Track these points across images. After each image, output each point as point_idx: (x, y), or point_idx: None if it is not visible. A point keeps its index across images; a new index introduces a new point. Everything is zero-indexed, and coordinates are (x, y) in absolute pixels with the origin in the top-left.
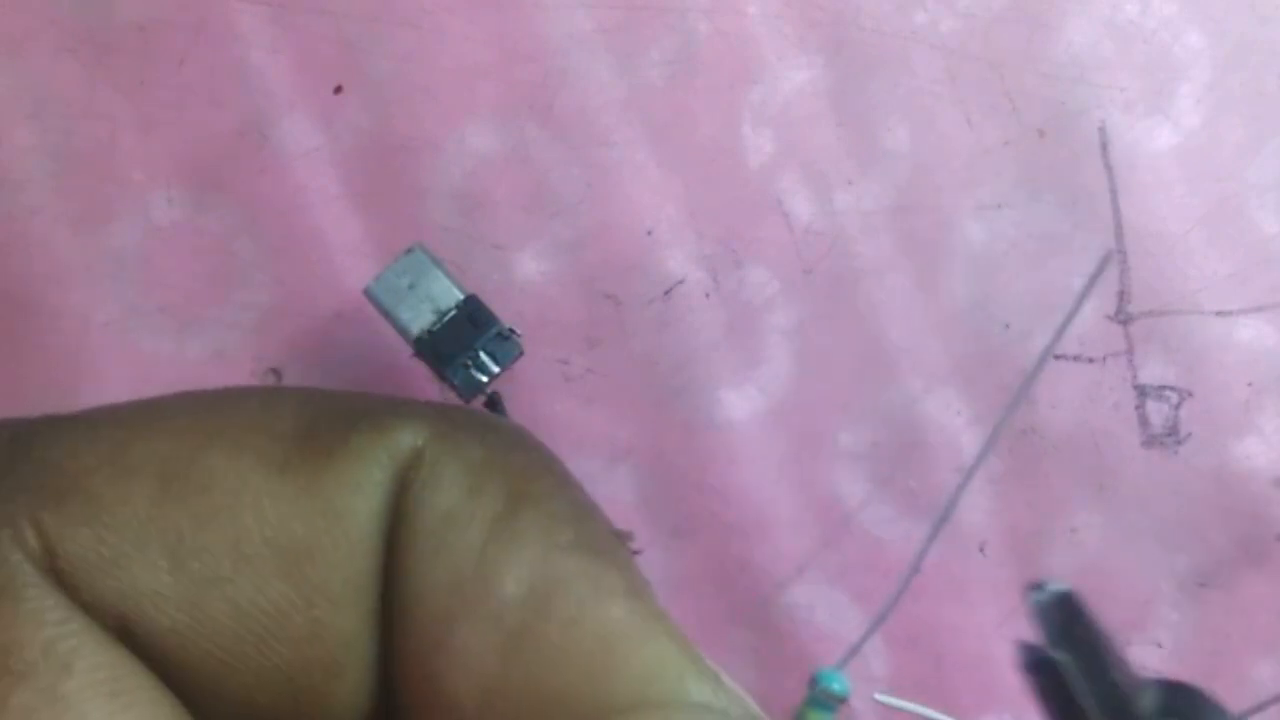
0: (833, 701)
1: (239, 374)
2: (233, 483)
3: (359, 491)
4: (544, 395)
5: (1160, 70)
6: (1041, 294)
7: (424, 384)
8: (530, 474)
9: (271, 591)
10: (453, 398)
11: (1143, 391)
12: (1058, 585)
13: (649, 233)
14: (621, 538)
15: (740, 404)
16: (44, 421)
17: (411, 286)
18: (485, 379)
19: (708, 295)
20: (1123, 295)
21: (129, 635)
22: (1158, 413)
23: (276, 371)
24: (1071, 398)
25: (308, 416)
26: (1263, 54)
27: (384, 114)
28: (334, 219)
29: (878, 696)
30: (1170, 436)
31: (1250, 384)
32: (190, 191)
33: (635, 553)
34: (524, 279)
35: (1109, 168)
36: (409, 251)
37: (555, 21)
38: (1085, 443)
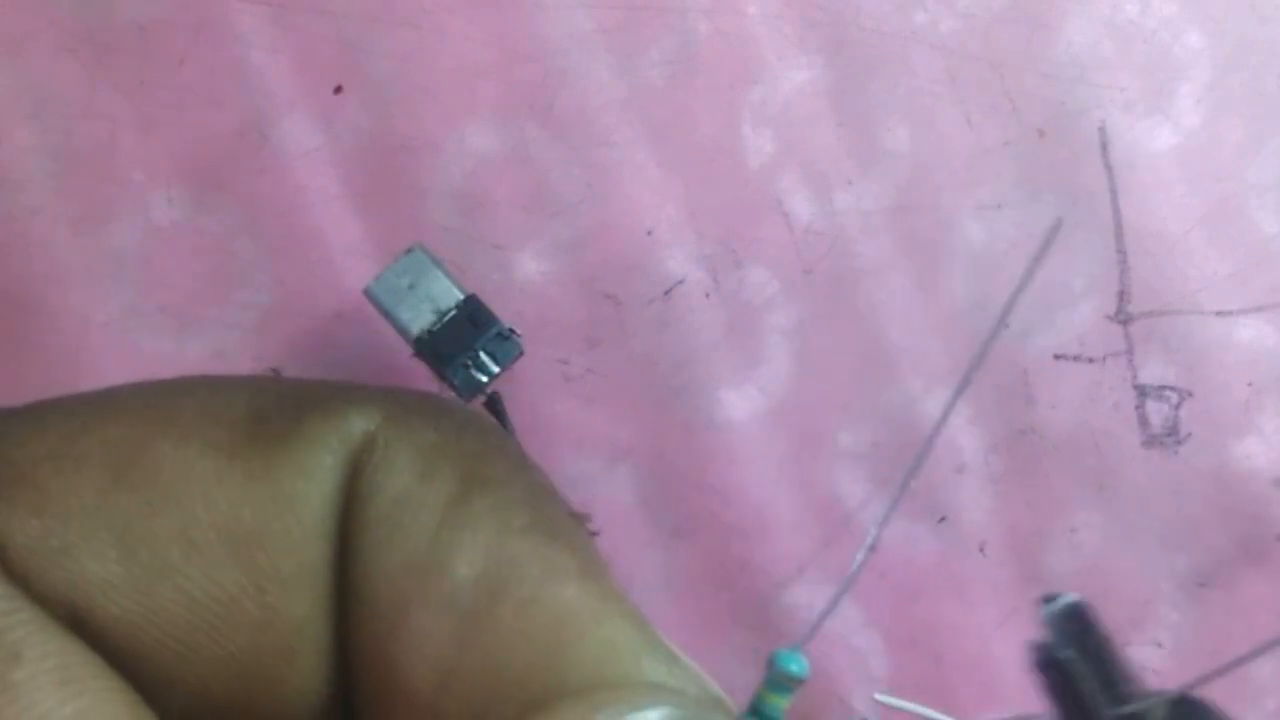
0: (790, 684)
1: (238, 374)
2: (181, 470)
3: (310, 477)
4: (544, 395)
5: (1160, 70)
6: (1041, 294)
7: (424, 384)
8: (484, 457)
9: (222, 578)
10: (453, 398)
11: (1143, 391)
12: (1068, 597)
13: (649, 233)
14: (579, 519)
15: (740, 404)
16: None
17: (411, 286)
18: (485, 379)
19: (708, 295)
20: (1123, 295)
21: (81, 625)
22: (1158, 413)
23: (276, 371)
24: (1071, 398)
25: (259, 404)
26: (1263, 54)
27: (384, 114)
28: (334, 219)
29: (878, 696)
30: (1170, 436)
31: (1250, 384)
32: (190, 191)
33: (593, 534)
34: (524, 279)
35: (1109, 168)
36: (409, 251)
37: (555, 21)
38: (1085, 443)
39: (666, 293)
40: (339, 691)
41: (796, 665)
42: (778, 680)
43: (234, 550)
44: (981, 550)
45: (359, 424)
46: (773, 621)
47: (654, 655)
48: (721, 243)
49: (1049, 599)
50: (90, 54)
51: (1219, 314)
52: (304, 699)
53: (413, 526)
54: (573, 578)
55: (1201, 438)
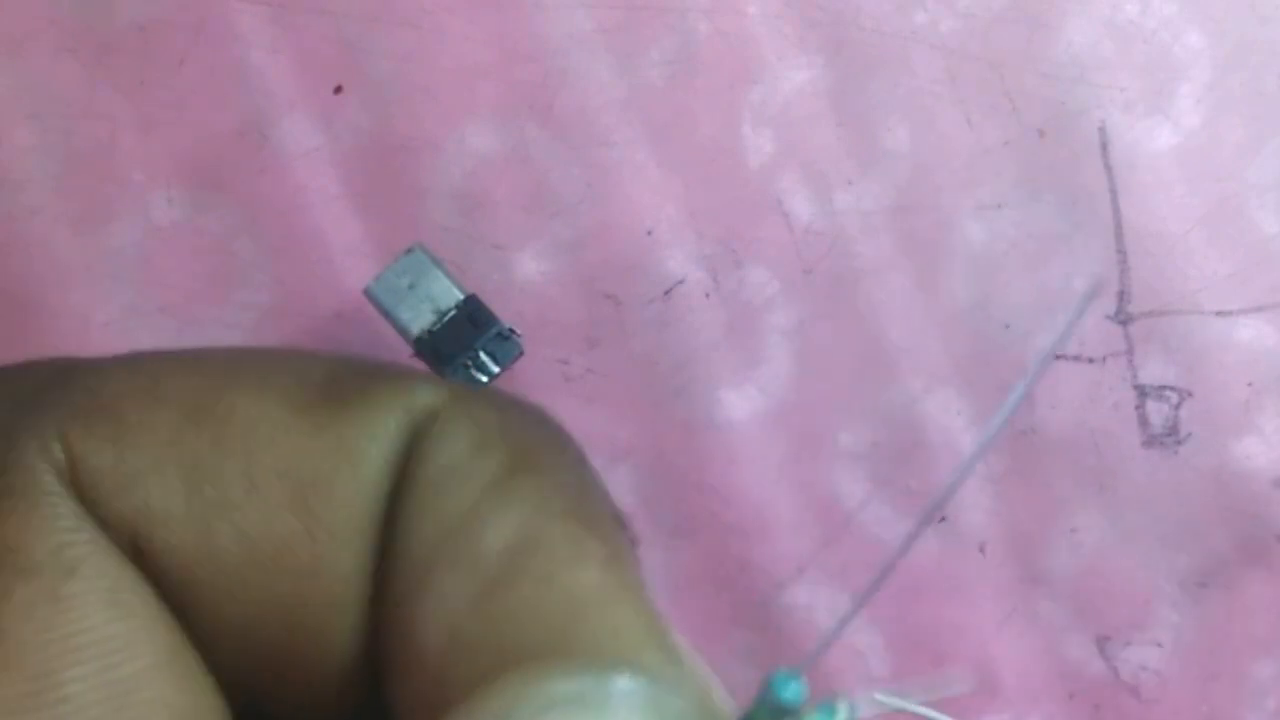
0: (780, 711)
1: None
2: (251, 417)
3: (373, 437)
4: (544, 395)
5: (1160, 70)
6: (1041, 294)
7: None
8: (538, 446)
9: (278, 521)
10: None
11: (1143, 391)
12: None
13: (649, 233)
14: (619, 519)
15: (740, 404)
16: (90, 358)
17: (411, 286)
18: (485, 379)
19: (708, 295)
20: (1123, 295)
21: (140, 554)
22: (1158, 413)
23: None
24: (1071, 398)
25: (333, 369)
26: (1263, 54)
27: (384, 114)
28: (334, 219)
29: (878, 696)
30: (1170, 436)
31: (1250, 384)
32: (190, 191)
33: (633, 540)
34: (524, 279)
35: (1109, 168)
36: (409, 251)
37: (555, 21)
38: (1085, 443)
39: (666, 293)
40: (372, 653)
41: (790, 693)
42: (771, 704)
43: (293, 496)
44: (981, 550)
45: (426, 396)
46: (773, 621)
47: (658, 650)
48: (721, 243)
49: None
50: (90, 54)
51: (1219, 314)
52: (343, 650)
53: (455, 494)
54: (595, 562)
55: (1201, 438)
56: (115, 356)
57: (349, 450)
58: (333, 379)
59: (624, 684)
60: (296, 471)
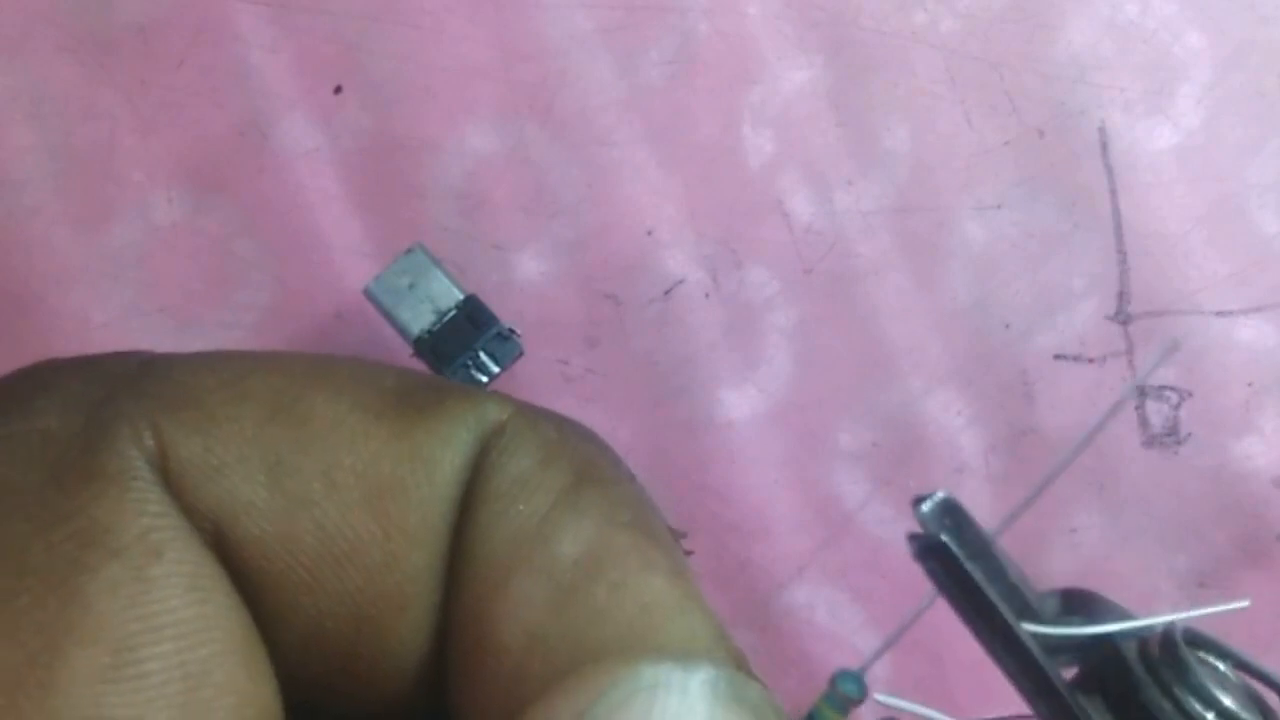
0: (846, 703)
1: None
2: (332, 419)
3: (447, 445)
4: (544, 395)
5: (1160, 70)
6: (1041, 294)
7: None
8: (598, 461)
9: (355, 520)
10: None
11: (1143, 391)
12: (942, 493)
13: (649, 233)
14: (675, 534)
15: (740, 404)
16: (173, 355)
17: (411, 286)
18: (485, 379)
19: (708, 295)
20: (1123, 295)
21: (221, 543)
22: (1158, 413)
23: None
24: (1071, 398)
25: (406, 381)
26: (1263, 54)
27: (384, 114)
28: (334, 219)
29: (878, 696)
30: (1170, 436)
31: (1250, 384)
32: (190, 191)
33: (687, 553)
34: (524, 279)
35: (1109, 168)
36: (409, 251)
37: (555, 21)
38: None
39: (666, 293)
40: (437, 652)
41: (854, 687)
42: (836, 698)
43: (369, 496)
44: None
45: (494, 410)
46: (773, 621)
47: (725, 654)
48: (721, 243)
49: (920, 499)
50: (90, 54)
51: (1219, 314)
52: (407, 650)
53: (528, 504)
54: (663, 573)
55: (1201, 438)
56: (198, 354)
57: (424, 458)
58: (405, 388)
59: (705, 672)
60: (374, 473)
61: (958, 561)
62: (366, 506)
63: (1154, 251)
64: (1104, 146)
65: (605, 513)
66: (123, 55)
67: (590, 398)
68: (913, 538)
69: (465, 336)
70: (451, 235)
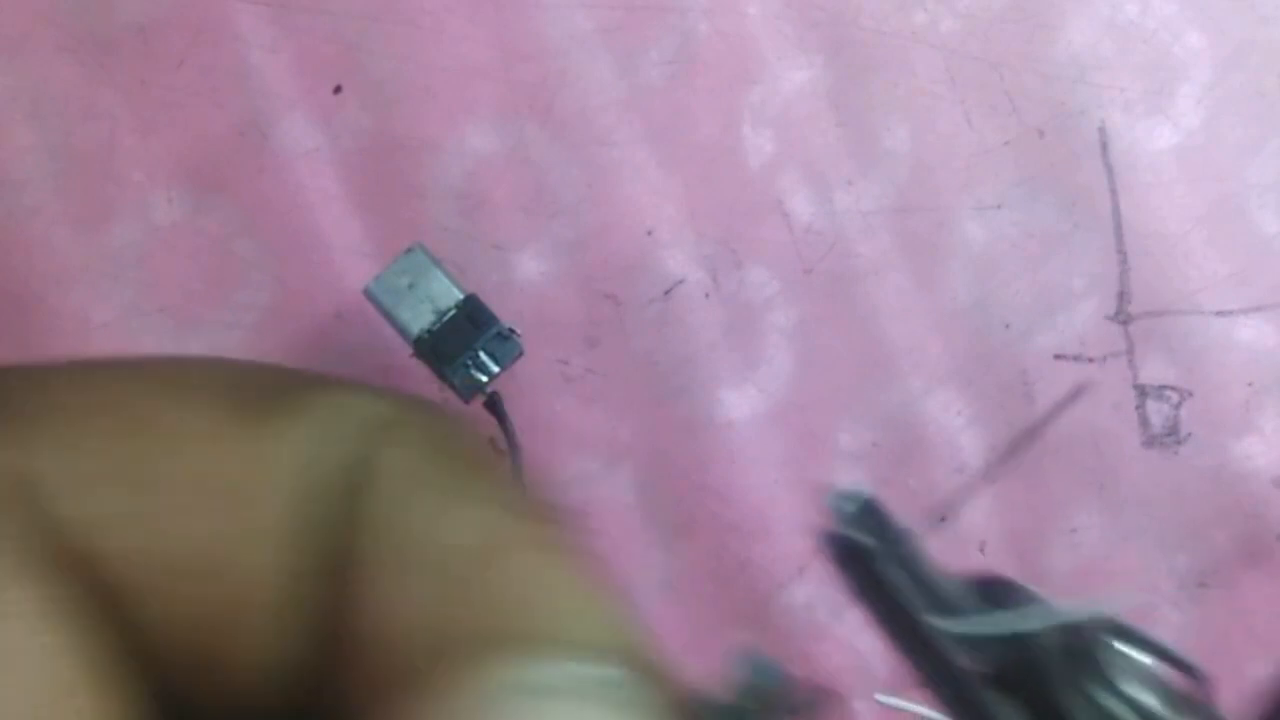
0: (762, 697)
1: None
2: (184, 424)
3: (322, 442)
4: (544, 395)
5: (1160, 70)
6: (1041, 294)
7: (424, 384)
8: (478, 450)
9: (202, 526)
10: (453, 398)
11: (1143, 391)
12: (857, 490)
13: (649, 233)
14: (570, 514)
15: (740, 404)
16: (18, 366)
17: (411, 286)
18: (485, 379)
19: (708, 295)
20: (1123, 295)
21: (76, 562)
22: (1158, 413)
23: None
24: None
25: (279, 376)
26: (1263, 54)
27: (384, 114)
28: (334, 219)
29: (878, 697)
30: (1170, 436)
31: (1250, 384)
32: (190, 191)
33: (585, 531)
34: (524, 279)
35: (1109, 168)
36: (409, 251)
37: (555, 21)
38: (1085, 443)
39: (666, 293)
40: (321, 650)
41: (764, 675)
42: (753, 691)
43: (216, 501)
44: (981, 550)
45: (375, 404)
46: (773, 621)
47: (628, 639)
48: (721, 243)
49: (834, 493)
50: (90, 54)
51: (1219, 314)
52: (277, 653)
53: (415, 499)
54: (559, 557)
55: (1201, 438)
56: (44, 363)
57: (280, 455)
58: (276, 384)
59: (596, 669)
60: (220, 477)
61: (874, 563)
62: (213, 511)
63: (1154, 251)
64: (1104, 146)
65: (494, 501)
66: (123, 55)
67: (590, 398)
68: (830, 539)
69: (465, 336)
70: (451, 235)
